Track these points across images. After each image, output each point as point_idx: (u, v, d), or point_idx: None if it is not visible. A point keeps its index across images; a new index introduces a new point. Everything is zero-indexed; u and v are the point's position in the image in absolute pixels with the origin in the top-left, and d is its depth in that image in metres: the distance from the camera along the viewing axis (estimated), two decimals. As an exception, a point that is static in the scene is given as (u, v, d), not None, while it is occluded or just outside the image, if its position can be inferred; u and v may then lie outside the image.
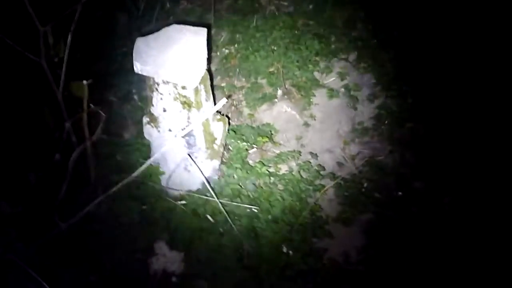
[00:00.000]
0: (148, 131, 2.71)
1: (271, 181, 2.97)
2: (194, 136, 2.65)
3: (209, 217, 2.77)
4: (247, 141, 3.17)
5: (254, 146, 3.21)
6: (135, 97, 3.42)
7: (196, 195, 2.79)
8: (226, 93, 3.56)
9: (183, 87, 2.46)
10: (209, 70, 2.71)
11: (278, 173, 3.04)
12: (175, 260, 2.64)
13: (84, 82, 2.19)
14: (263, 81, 3.59)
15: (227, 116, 3.21)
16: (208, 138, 2.77)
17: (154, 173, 2.80)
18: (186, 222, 2.72)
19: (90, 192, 2.69)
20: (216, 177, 2.95)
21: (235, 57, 3.76)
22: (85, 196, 2.66)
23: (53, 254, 2.44)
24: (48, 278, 2.21)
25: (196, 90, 2.55)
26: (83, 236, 2.58)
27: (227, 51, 3.83)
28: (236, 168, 2.96)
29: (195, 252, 2.64)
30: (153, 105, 2.62)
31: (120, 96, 3.45)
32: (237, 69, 3.67)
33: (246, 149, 3.13)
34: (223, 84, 3.64)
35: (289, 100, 3.47)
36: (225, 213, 2.66)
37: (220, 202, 2.70)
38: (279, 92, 3.52)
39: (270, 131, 3.31)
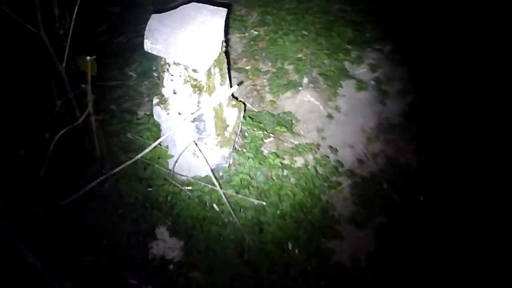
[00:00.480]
0: (158, 112, 2.61)
1: (284, 174, 2.83)
2: (204, 122, 2.53)
3: (215, 206, 2.67)
4: (264, 129, 3.04)
5: (271, 135, 3.07)
6: (155, 74, 3.32)
7: (203, 182, 2.68)
8: (250, 76, 3.42)
9: (194, 70, 2.34)
10: (226, 53, 2.56)
11: (292, 166, 2.89)
12: (175, 247, 2.56)
13: (88, 58, 2.11)
14: (289, 67, 3.43)
15: (243, 102, 3.05)
16: (219, 124, 2.65)
17: (162, 155, 2.71)
18: (189, 209, 2.62)
19: (97, 169, 2.66)
20: (226, 165, 2.83)
21: (263, 40, 3.61)
22: (91, 172, 2.64)
23: (52, 230, 2.40)
24: (42, 254, 2.19)
25: (209, 74, 2.42)
26: (84, 213, 2.54)
27: (256, 32, 3.69)
28: (249, 157, 2.83)
29: (195, 241, 2.55)
30: (163, 86, 2.51)
31: (140, 71, 3.36)
32: (264, 53, 3.53)
33: (262, 138, 2.99)
34: (248, 67, 3.50)
35: (315, 89, 3.29)
36: (228, 204, 2.55)
37: (225, 193, 2.59)
38: (305, 80, 3.35)
39: (291, 120, 3.16)
